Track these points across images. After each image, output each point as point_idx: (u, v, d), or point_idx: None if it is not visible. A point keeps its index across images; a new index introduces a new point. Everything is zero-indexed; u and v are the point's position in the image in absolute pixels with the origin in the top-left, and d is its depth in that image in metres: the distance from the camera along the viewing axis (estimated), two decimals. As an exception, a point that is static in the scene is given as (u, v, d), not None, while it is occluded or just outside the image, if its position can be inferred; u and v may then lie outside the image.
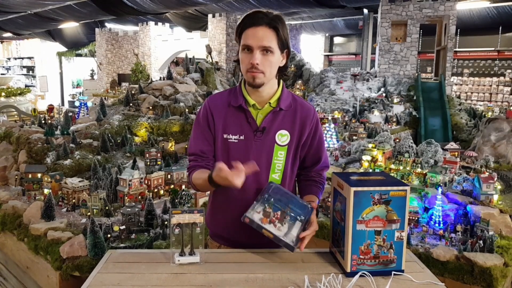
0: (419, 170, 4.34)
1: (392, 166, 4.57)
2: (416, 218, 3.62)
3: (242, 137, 1.74)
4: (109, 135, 5.66)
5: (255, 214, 1.57)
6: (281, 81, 1.82)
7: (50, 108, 6.31)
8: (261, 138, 1.73)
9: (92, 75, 20.27)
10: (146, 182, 4.30)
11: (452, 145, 5.45)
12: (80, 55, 21.76)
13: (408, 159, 4.52)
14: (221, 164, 1.53)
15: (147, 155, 5.24)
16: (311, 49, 20.08)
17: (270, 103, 1.75)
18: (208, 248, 1.94)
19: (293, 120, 1.77)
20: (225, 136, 1.75)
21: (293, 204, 1.66)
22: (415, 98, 9.79)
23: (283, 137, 1.75)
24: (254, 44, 1.62)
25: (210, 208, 1.93)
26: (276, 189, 1.68)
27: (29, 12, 13.34)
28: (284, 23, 1.67)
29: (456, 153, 5.17)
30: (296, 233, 1.58)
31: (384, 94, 9.89)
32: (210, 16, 14.87)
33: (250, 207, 1.60)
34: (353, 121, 8.07)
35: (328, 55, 20.61)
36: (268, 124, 1.74)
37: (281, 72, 1.77)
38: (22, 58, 23.22)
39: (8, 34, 18.85)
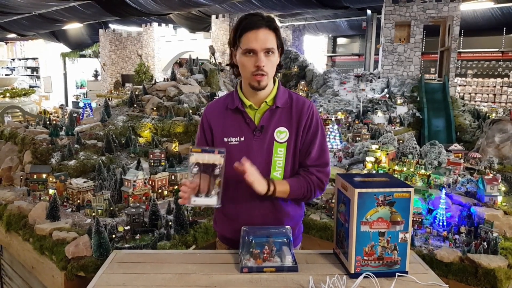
0: (422, 171, 4.33)
1: (396, 167, 4.56)
2: (420, 220, 3.62)
3: (242, 139, 1.75)
4: (113, 136, 5.67)
5: (249, 262, 1.59)
6: (277, 79, 1.82)
7: (61, 107, 6.46)
8: (260, 137, 1.74)
9: (96, 76, 20.36)
10: (150, 182, 4.31)
11: (456, 146, 5.42)
12: (84, 56, 21.87)
13: (412, 160, 4.51)
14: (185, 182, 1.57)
15: (151, 156, 5.25)
16: (314, 50, 20.08)
17: (266, 101, 1.76)
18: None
19: (289, 116, 1.78)
20: (225, 139, 1.76)
21: (271, 233, 1.66)
22: (418, 99, 9.77)
23: (281, 134, 1.75)
24: (258, 47, 1.64)
25: (217, 211, 1.95)
26: (249, 229, 1.66)
27: (33, 13, 13.41)
28: (277, 23, 1.71)
29: (460, 154, 5.14)
30: (290, 255, 1.61)
31: (387, 95, 9.87)
32: (213, 17, 14.92)
33: (240, 261, 1.60)
34: (357, 122, 8.05)
35: (331, 56, 20.60)
36: (266, 122, 1.75)
37: (276, 69, 1.77)
38: (26, 59, 23.38)
39: (13, 35, 18.96)
